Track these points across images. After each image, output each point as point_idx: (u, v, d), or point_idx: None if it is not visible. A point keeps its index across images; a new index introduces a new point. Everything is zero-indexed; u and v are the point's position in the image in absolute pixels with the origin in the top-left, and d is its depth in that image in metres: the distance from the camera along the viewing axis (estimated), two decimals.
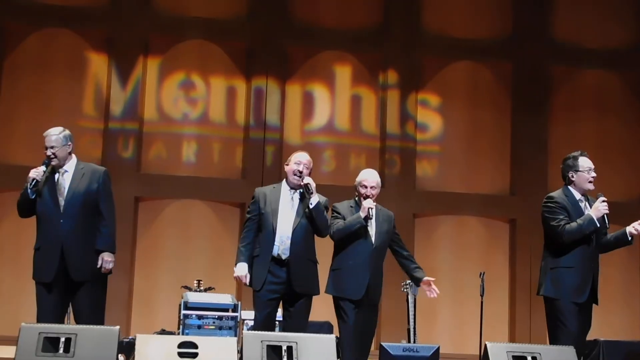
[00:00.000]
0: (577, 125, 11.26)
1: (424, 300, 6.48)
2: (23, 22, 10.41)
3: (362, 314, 6.03)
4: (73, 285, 5.81)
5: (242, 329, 7.85)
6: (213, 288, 8.52)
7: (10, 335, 6.47)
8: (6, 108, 10.29)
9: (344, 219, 6.09)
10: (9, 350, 5.60)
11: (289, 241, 5.86)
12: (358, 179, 6.25)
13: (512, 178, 11.13)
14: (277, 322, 6.71)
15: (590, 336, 6.30)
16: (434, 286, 6.29)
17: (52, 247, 5.79)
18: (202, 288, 8.38)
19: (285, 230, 5.89)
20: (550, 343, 5.85)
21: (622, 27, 11.55)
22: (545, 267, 5.94)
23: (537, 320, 9.84)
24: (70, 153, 5.96)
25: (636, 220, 5.88)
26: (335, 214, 6.17)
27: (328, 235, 6.10)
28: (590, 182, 5.95)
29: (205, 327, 7.88)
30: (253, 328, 5.90)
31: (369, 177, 6.22)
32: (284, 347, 5.25)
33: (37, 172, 5.82)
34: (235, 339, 5.65)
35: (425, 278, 6.29)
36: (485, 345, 5.56)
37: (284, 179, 6.09)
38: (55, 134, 5.91)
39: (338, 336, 5.91)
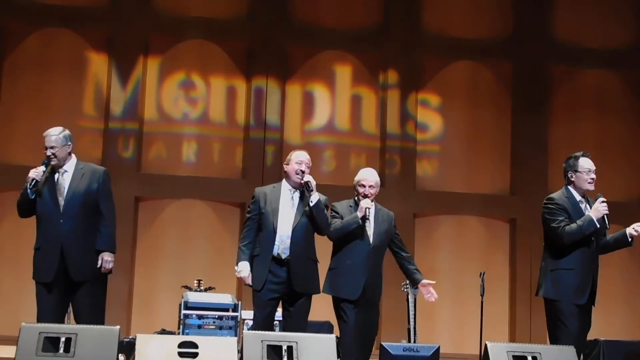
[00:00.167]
0: (577, 125, 11.26)
1: (424, 300, 6.46)
2: (23, 22, 10.41)
3: (362, 314, 6.02)
4: (73, 285, 5.81)
5: (242, 329, 7.85)
6: (213, 288, 8.52)
7: (11, 335, 6.47)
8: (6, 108, 10.29)
9: (342, 219, 6.09)
10: (9, 350, 5.60)
11: (289, 240, 5.86)
12: (357, 178, 6.24)
13: (512, 178, 11.13)
14: (276, 322, 6.72)
15: (590, 336, 6.30)
16: (432, 290, 6.28)
17: (52, 247, 5.79)
18: (202, 288, 8.38)
19: (286, 229, 5.89)
20: (551, 343, 5.85)
21: (622, 27, 11.54)
22: (545, 268, 5.93)
23: (537, 320, 9.83)
24: (70, 153, 5.96)
25: (636, 221, 5.88)
26: (334, 214, 6.16)
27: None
28: (589, 183, 5.93)
29: (206, 327, 7.87)
30: (253, 328, 5.90)
31: (368, 176, 6.22)
32: (284, 347, 5.25)
33: (37, 172, 5.82)
34: (236, 338, 5.65)
35: (424, 281, 6.28)
36: (486, 345, 5.56)
37: (284, 179, 6.10)
38: (55, 134, 5.91)
39: (338, 336, 5.90)
